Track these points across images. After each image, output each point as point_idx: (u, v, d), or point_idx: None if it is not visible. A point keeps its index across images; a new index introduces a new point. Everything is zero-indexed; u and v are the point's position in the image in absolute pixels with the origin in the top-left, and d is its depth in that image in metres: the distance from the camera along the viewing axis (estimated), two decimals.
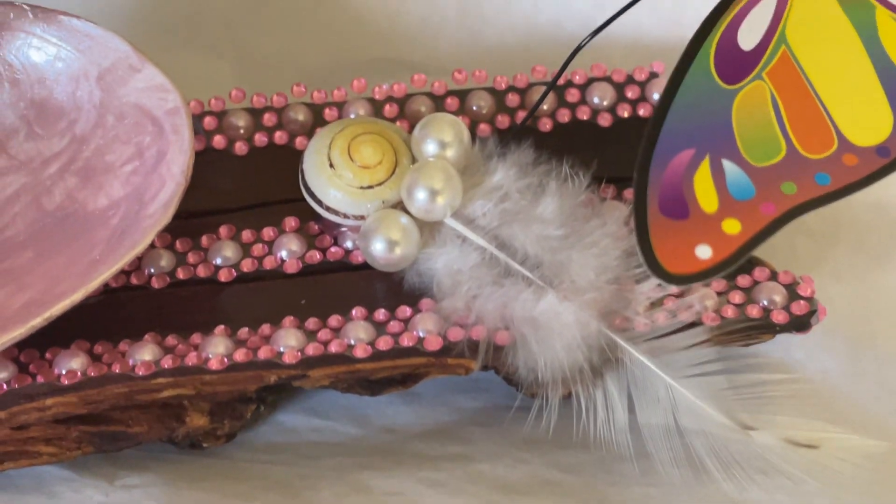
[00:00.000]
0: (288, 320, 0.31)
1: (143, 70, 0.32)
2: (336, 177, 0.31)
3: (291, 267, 0.32)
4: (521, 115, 0.35)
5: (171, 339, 0.30)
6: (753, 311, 0.31)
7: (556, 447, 0.31)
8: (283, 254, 0.32)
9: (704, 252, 0.26)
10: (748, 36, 0.28)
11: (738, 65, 0.28)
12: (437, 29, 0.40)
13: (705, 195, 0.27)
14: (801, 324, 0.31)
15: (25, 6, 0.32)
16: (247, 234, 0.33)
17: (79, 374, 0.29)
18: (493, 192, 0.31)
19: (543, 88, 0.35)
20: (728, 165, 0.27)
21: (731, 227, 0.27)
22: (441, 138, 0.31)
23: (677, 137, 0.27)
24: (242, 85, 0.36)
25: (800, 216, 0.26)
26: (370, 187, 0.31)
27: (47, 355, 0.30)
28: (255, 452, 0.32)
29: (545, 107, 0.35)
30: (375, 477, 0.31)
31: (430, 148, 0.31)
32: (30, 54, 0.33)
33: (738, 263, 0.27)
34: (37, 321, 0.27)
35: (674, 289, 0.30)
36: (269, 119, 0.34)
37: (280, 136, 0.34)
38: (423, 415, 0.33)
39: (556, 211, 0.30)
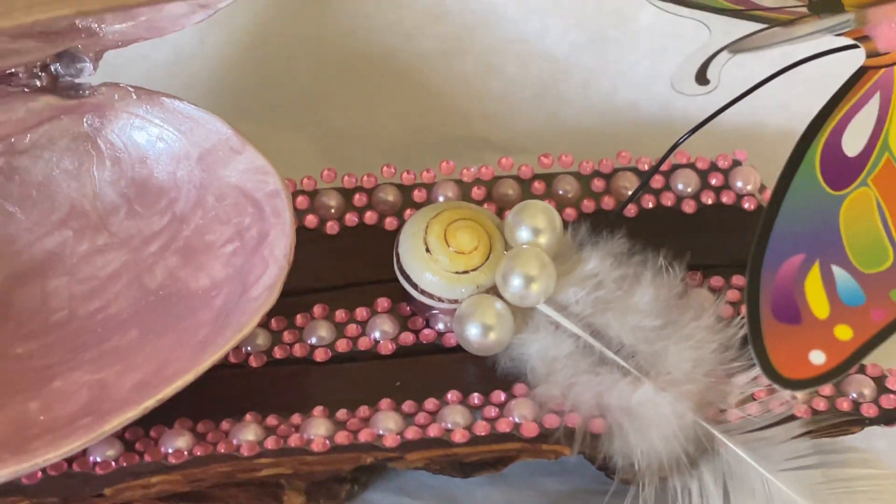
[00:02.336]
0: (385, 402, 0.31)
1: (244, 152, 0.32)
2: (432, 261, 0.31)
3: (385, 348, 0.32)
4: (607, 199, 0.35)
5: (271, 419, 0.30)
6: (844, 405, 0.31)
7: None
8: (377, 334, 0.32)
9: (818, 358, 0.26)
10: (852, 142, 0.28)
11: (843, 171, 0.28)
12: (515, 109, 0.41)
13: (817, 300, 0.27)
14: (890, 417, 0.31)
15: (129, 88, 0.33)
16: (340, 314, 0.33)
17: (185, 453, 0.29)
18: (587, 280, 0.31)
19: (629, 174, 0.35)
20: (838, 271, 0.27)
21: (844, 333, 0.26)
22: (535, 225, 0.32)
23: (786, 242, 0.27)
24: (327, 163, 0.36)
25: None
26: (465, 272, 0.31)
27: (152, 433, 0.30)
28: None
29: (629, 192, 0.35)
30: None
31: (524, 235, 0.32)
32: (132, 134, 0.33)
33: (852, 369, 0.27)
34: (150, 403, 0.28)
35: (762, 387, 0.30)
36: (359, 199, 0.35)
37: (370, 217, 0.35)
38: (510, 497, 0.33)
39: (652, 301, 0.31)
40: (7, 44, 0.31)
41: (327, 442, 0.30)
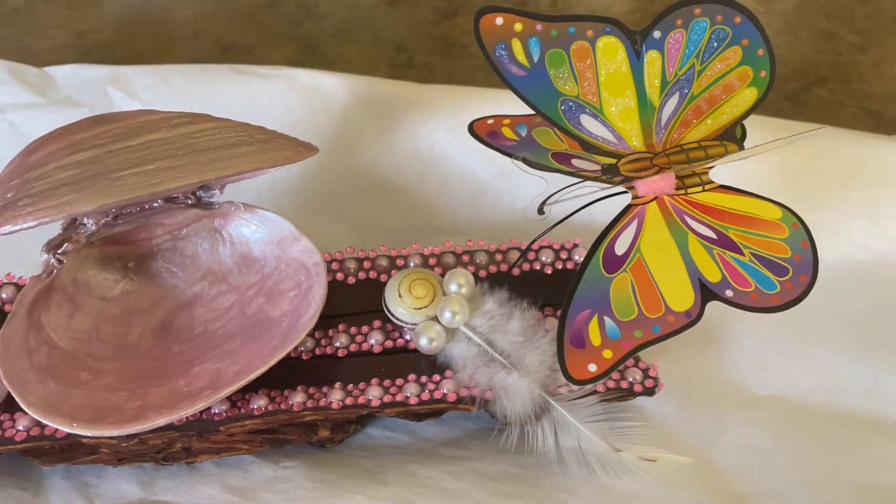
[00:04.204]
0: (375, 380, 0.32)
1: (301, 240, 0.32)
2: (401, 301, 0.32)
3: (377, 349, 0.33)
4: (503, 266, 0.35)
5: (312, 389, 0.31)
6: (623, 384, 0.31)
7: (516, 454, 0.31)
8: (373, 341, 0.33)
9: (593, 367, 0.27)
10: (621, 246, 0.29)
11: (614, 263, 0.28)
12: (457, 210, 0.41)
13: (594, 335, 0.27)
14: (649, 392, 0.32)
15: (240, 204, 0.33)
16: (353, 329, 0.33)
17: (264, 408, 0.31)
18: (486, 314, 0.32)
19: (516, 251, 0.36)
20: (607, 320, 0.27)
21: (607, 354, 0.27)
22: (459, 282, 0.33)
23: (580, 303, 0.28)
24: (352, 243, 0.38)
25: (643, 349, 0.27)
26: (420, 308, 0.32)
27: (245, 397, 0.31)
28: (353, 450, 0.32)
29: (513, 261, 0.35)
30: (418, 467, 0.31)
31: (453, 287, 0.33)
32: (241, 229, 0.33)
33: (609, 375, 0.28)
34: (243, 382, 0.28)
35: None
36: (366, 264, 0.35)
37: (372, 274, 0.35)
38: (445, 431, 0.33)
39: (519, 327, 0.31)
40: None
41: (342, 402, 0.31)
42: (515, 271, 0.35)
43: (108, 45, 0.54)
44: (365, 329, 0.33)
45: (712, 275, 0.28)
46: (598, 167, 0.30)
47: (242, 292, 0.33)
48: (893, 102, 0.50)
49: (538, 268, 0.36)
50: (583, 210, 0.32)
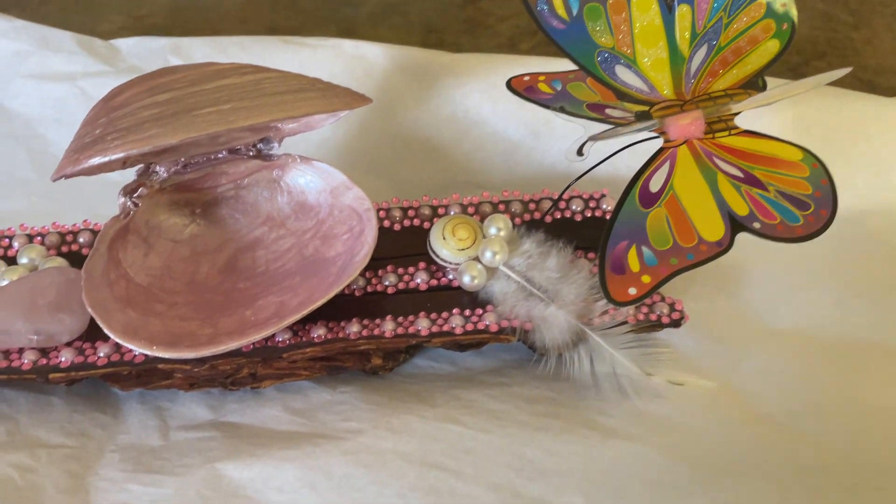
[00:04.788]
0: (422, 314, 0.31)
1: (353, 188, 0.32)
2: (446, 244, 0.32)
3: (423, 286, 0.32)
4: (536, 214, 0.35)
5: (366, 321, 0.31)
6: (652, 317, 0.31)
7: (553, 380, 0.31)
8: (419, 280, 0.33)
9: (632, 291, 0.26)
10: (654, 185, 0.28)
11: (650, 199, 0.28)
12: (491, 167, 0.40)
13: (633, 263, 0.27)
14: (676, 323, 0.31)
15: (297, 156, 0.33)
16: (400, 270, 0.33)
17: (322, 337, 0.30)
18: (524, 254, 0.31)
19: (547, 201, 0.35)
20: (644, 249, 0.27)
21: (646, 279, 0.26)
22: (498, 226, 0.33)
23: (619, 235, 0.27)
24: (394, 195, 0.37)
25: (678, 275, 0.27)
26: (462, 249, 0.32)
27: (306, 327, 0.30)
28: (402, 377, 0.32)
29: (545, 209, 0.35)
30: (462, 392, 0.31)
31: (493, 230, 0.33)
32: (297, 179, 0.33)
33: (649, 297, 0.27)
34: (306, 311, 0.28)
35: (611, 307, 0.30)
36: (410, 213, 0.35)
37: (416, 221, 0.35)
38: (485, 362, 0.33)
39: (556, 264, 0.31)
40: (239, 133, 0.32)
41: (394, 332, 0.31)
42: (549, 218, 0.35)
43: (163, 28, 0.54)
44: (411, 270, 0.33)
45: (740, 209, 0.27)
46: (632, 115, 0.30)
47: (299, 236, 0.33)
48: (885, 73, 0.49)
49: (568, 216, 0.35)
50: (608, 163, 0.31)
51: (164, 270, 0.31)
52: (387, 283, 0.33)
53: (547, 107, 0.30)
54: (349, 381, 0.32)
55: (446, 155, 0.40)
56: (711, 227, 0.27)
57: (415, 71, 0.41)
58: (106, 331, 0.27)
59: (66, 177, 0.25)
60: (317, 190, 0.33)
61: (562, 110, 0.30)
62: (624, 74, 0.30)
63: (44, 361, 0.30)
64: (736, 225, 0.27)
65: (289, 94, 0.27)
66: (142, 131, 0.25)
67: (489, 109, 0.40)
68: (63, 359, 0.30)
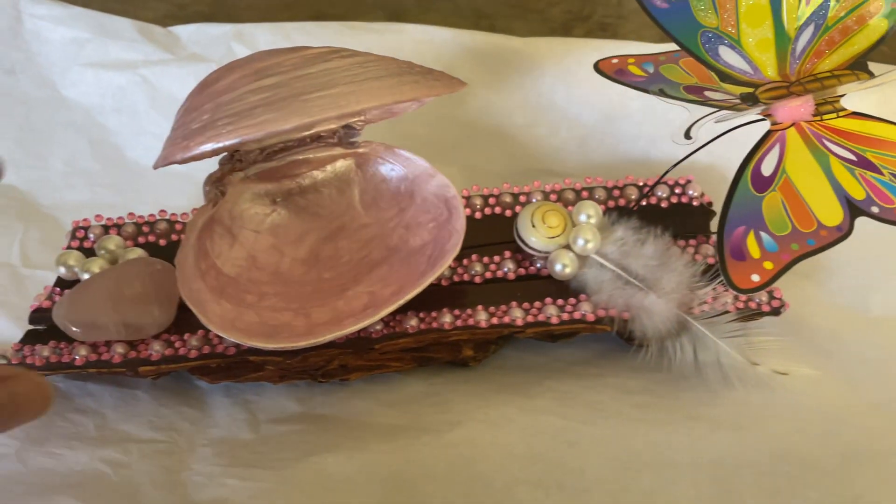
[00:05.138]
0: (514, 304, 0.31)
1: (436, 176, 0.31)
2: (535, 231, 0.31)
3: (511, 275, 0.32)
4: (621, 201, 0.34)
5: (456, 311, 0.30)
6: (752, 305, 0.31)
7: (648, 370, 0.30)
8: (506, 269, 0.32)
9: (755, 278, 0.26)
10: (766, 168, 0.28)
11: (763, 183, 0.27)
12: (567, 154, 0.40)
13: (753, 249, 0.26)
14: (776, 311, 0.31)
15: (379, 144, 0.32)
16: (486, 259, 0.32)
17: (416, 328, 0.30)
18: (617, 241, 0.31)
19: (632, 187, 0.34)
20: (763, 235, 0.26)
21: (768, 265, 0.26)
22: (588, 213, 0.32)
23: (735, 220, 0.27)
24: (466, 182, 0.36)
25: (801, 261, 0.26)
26: (553, 237, 0.31)
27: (397, 318, 0.30)
28: (492, 368, 0.32)
29: (634, 197, 0.34)
30: (556, 383, 0.31)
31: (583, 218, 0.32)
32: (379, 167, 0.32)
33: (772, 285, 0.26)
34: (401, 302, 0.28)
35: (711, 295, 0.29)
36: (491, 200, 0.34)
37: (497, 209, 0.34)
38: (577, 352, 0.32)
39: (653, 252, 0.30)
40: (326, 120, 0.30)
41: (486, 323, 0.30)
42: (634, 206, 0.34)
43: (207, 16, 0.52)
44: (497, 259, 0.32)
45: (857, 193, 0.27)
46: (731, 97, 0.29)
47: (383, 224, 0.32)
48: None
49: (654, 202, 0.34)
50: (693, 151, 0.30)
51: (250, 261, 0.31)
52: (473, 272, 0.32)
53: (644, 90, 0.30)
54: (439, 372, 0.31)
55: (519, 141, 0.40)
56: (830, 212, 0.27)
57: (484, 55, 0.40)
58: (204, 323, 0.27)
59: (177, 163, 0.24)
60: (399, 177, 0.32)
61: (661, 93, 0.29)
62: (727, 55, 0.29)
63: (133, 354, 0.29)
64: (854, 209, 0.27)
65: (392, 77, 0.26)
66: (253, 116, 0.24)
67: (563, 94, 0.39)
68: (153, 351, 0.29)
